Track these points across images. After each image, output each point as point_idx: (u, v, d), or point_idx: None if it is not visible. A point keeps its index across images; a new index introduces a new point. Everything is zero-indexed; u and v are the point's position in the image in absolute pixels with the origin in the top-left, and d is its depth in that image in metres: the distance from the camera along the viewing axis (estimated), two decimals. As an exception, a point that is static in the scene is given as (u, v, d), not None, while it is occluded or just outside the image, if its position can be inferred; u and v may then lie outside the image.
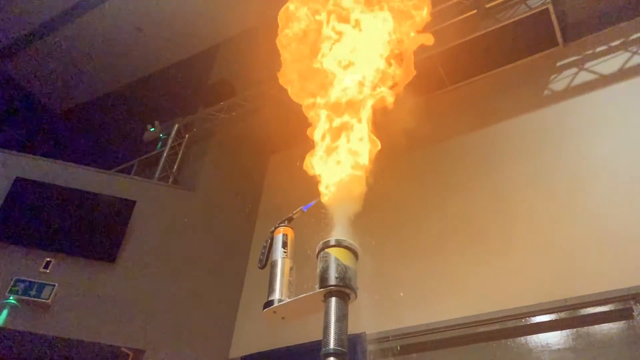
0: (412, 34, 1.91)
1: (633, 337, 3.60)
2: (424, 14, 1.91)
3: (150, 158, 7.20)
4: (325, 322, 1.39)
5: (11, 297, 4.68)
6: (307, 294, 1.47)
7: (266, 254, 1.66)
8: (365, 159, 1.77)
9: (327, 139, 1.81)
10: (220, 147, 6.80)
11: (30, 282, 4.79)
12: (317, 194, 1.79)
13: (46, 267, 4.95)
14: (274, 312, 1.52)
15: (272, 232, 1.70)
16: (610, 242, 3.95)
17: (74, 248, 5.14)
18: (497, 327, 4.13)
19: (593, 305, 3.80)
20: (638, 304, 3.62)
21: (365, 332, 4.44)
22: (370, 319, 4.21)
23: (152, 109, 7.68)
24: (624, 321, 3.71)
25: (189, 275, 5.55)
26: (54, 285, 4.84)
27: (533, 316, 4.01)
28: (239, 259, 6.09)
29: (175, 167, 6.57)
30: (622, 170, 4.24)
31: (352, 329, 1.43)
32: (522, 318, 4.05)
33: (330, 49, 1.91)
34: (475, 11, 5.26)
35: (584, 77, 5.04)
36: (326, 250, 1.50)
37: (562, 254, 4.10)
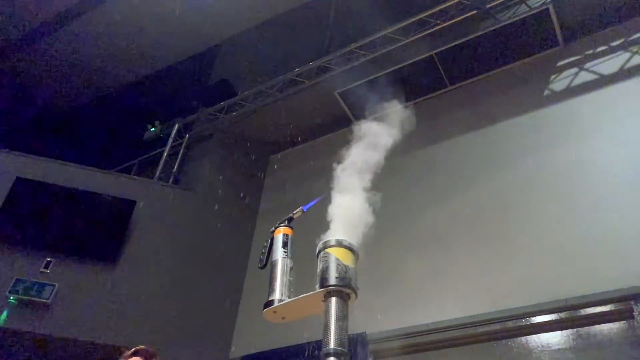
0: None
1: (633, 337, 3.60)
2: None
3: (150, 158, 7.20)
4: (326, 322, 1.39)
5: (11, 297, 4.68)
6: (308, 294, 1.47)
7: (266, 254, 1.66)
8: None
9: None
10: (220, 147, 6.80)
11: (30, 282, 4.79)
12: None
13: (46, 267, 4.95)
14: (274, 312, 1.52)
15: (272, 232, 1.69)
16: (610, 242, 3.94)
17: (74, 248, 5.14)
18: (497, 327, 4.12)
19: (593, 305, 3.79)
20: (638, 304, 3.62)
21: (365, 332, 4.44)
22: (370, 318, 4.22)
23: (152, 109, 7.67)
24: (624, 321, 3.71)
25: (189, 275, 5.55)
26: (54, 285, 4.84)
27: (533, 316, 4.00)
28: (239, 259, 6.08)
29: (175, 167, 6.57)
30: (622, 171, 4.23)
31: (352, 329, 1.43)
32: (522, 318, 4.04)
33: None
34: (475, 11, 5.26)
35: (584, 77, 5.03)
36: (326, 250, 1.49)
37: (563, 254, 4.10)
